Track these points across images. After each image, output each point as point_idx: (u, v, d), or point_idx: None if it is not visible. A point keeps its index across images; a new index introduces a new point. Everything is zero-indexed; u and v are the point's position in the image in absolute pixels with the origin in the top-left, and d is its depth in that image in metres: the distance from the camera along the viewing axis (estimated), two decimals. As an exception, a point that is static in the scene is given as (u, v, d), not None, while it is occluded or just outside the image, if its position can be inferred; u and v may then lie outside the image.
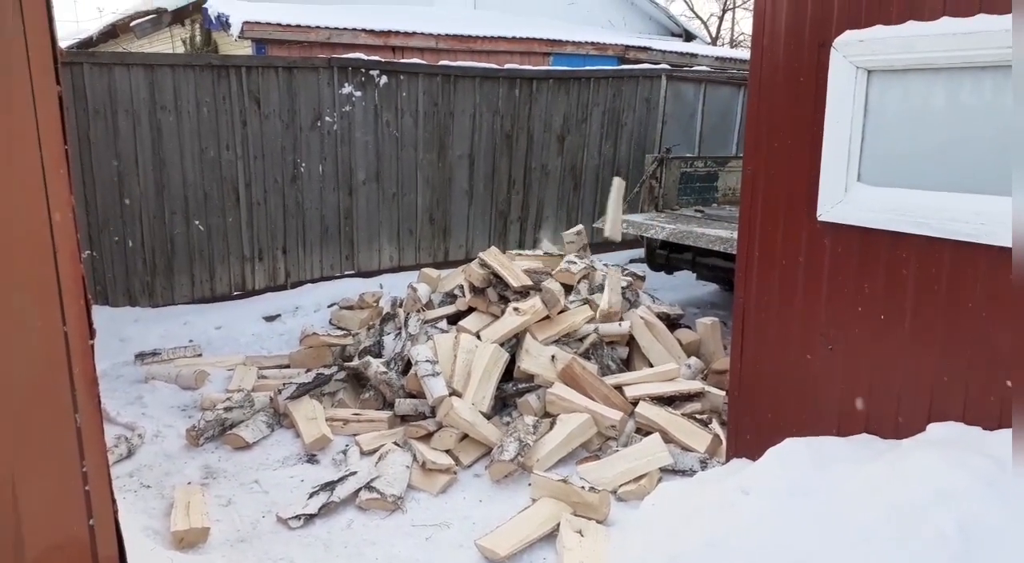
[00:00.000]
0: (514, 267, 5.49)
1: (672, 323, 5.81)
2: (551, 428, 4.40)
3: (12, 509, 2.30)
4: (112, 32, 11.95)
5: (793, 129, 3.28)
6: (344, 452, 4.42)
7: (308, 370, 5.45)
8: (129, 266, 6.61)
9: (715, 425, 4.49)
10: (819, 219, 3.20)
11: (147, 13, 10.30)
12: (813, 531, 2.61)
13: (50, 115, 2.21)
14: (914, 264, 2.92)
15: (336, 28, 9.43)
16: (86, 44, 13.26)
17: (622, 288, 5.56)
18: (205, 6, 9.56)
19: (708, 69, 10.72)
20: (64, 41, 16.16)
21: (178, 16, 10.29)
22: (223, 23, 9.09)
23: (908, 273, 2.94)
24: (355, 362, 5.21)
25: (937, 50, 2.77)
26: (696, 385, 4.86)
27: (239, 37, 8.89)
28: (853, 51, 3.00)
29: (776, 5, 3.29)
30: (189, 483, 4.11)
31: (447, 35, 10.32)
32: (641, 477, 4.01)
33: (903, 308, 2.97)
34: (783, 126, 3.32)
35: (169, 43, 11.24)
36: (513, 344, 5.05)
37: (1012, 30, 2.49)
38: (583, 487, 3.77)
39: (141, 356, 5.87)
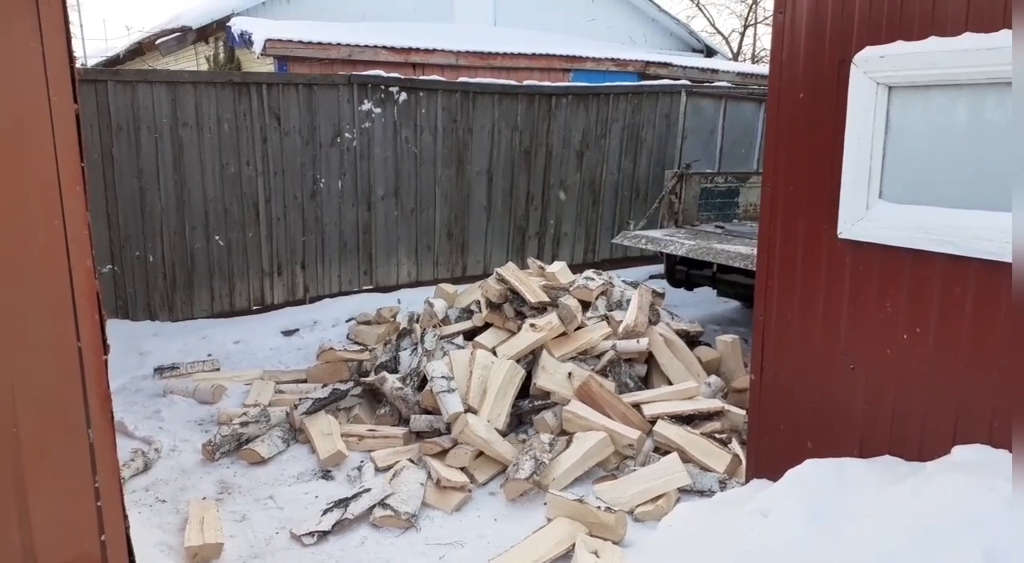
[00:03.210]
0: (531, 283, 5.46)
1: (692, 340, 5.75)
2: (567, 446, 4.35)
3: (25, 524, 2.30)
4: (138, 50, 12.18)
5: (813, 146, 3.24)
6: (359, 468, 4.41)
7: (325, 385, 5.45)
8: (150, 281, 6.67)
9: (735, 445, 4.42)
10: (840, 237, 3.15)
11: (172, 31, 10.48)
12: (833, 556, 2.54)
13: (67, 133, 2.23)
14: (938, 283, 2.86)
15: (357, 45, 9.53)
16: (113, 62, 13.52)
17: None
18: (229, 24, 9.72)
19: (729, 85, 10.70)
20: (92, 59, 16.48)
21: (202, 34, 10.46)
22: (246, 41, 9.22)
23: (932, 292, 2.88)
24: (371, 377, 5.20)
25: (960, 66, 2.72)
26: (716, 404, 4.79)
27: (261, 54, 9.01)
28: (873, 67, 2.96)
29: (795, 22, 3.26)
30: (204, 498, 4.11)
31: (467, 52, 10.39)
32: (659, 497, 3.95)
33: (927, 327, 2.91)
34: (803, 143, 3.28)
35: (193, 60, 11.43)
36: (529, 360, 5.01)
37: (1012, 46, 2.45)
38: (599, 507, 3.71)
39: (160, 370, 5.90)
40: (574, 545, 3.53)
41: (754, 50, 25.50)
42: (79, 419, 2.37)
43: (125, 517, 2.60)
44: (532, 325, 5.12)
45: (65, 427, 2.36)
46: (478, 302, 5.65)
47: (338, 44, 9.41)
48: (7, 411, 2.22)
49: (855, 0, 3.04)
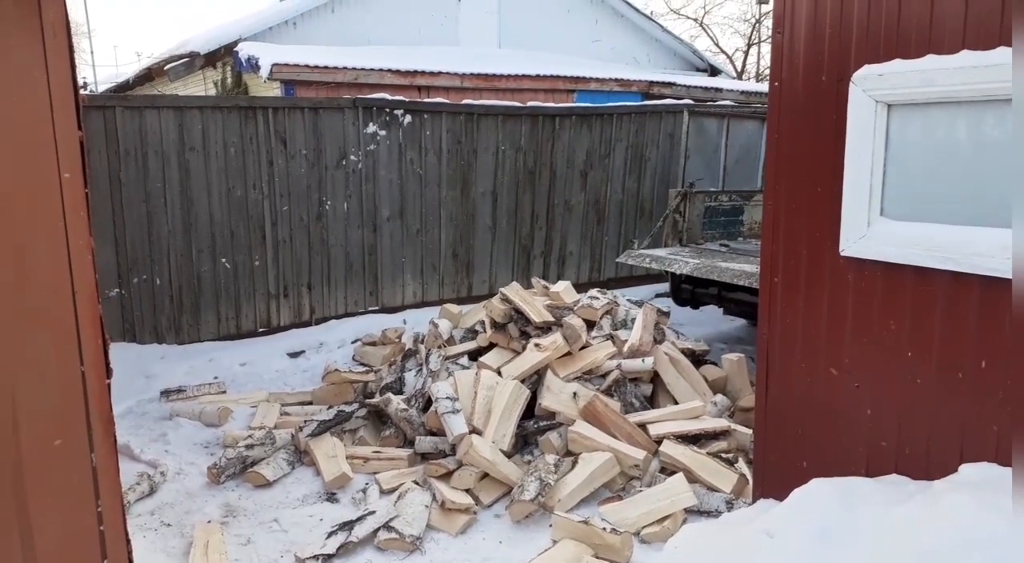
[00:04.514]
0: (535, 302, 5.46)
1: (697, 359, 5.73)
2: (573, 467, 4.33)
3: (28, 549, 2.30)
4: (148, 75, 12.34)
5: (813, 164, 3.24)
6: (364, 490, 4.39)
7: (330, 407, 5.45)
8: (157, 304, 6.70)
9: (741, 464, 4.39)
10: (842, 254, 3.14)
11: (181, 57, 10.61)
12: (841, 578, 2.51)
13: (72, 159, 2.26)
14: (941, 300, 2.85)
15: (363, 69, 9.63)
16: (123, 87, 13.69)
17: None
18: (236, 49, 9.85)
19: (732, 103, 10.74)
20: (103, 84, 16.70)
21: (210, 59, 10.58)
22: (253, 65, 9.33)
23: (935, 309, 2.87)
24: (376, 399, 5.20)
25: (957, 84, 2.73)
26: (722, 423, 4.77)
27: (268, 78, 9.11)
28: (872, 85, 2.98)
29: (794, 41, 3.29)
30: (209, 521, 4.10)
31: (472, 74, 10.48)
32: (665, 518, 3.92)
33: (930, 345, 2.89)
34: (803, 161, 3.29)
35: (202, 85, 11.56)
36: (534, 381, 5.00)
37: (1012, 63, 2.45)
38: (605, 528, 3.69)
39: (166, 393, 5.91)
40: (580, 567, 3.50)
41: (758, 68, 25.63)
42: (82, 443, 2.38)
43: (128, 542, 2.60)
44: (537, 345, 5.11)
45: (68, 451, 2.36)
46: (483, 322, 5.65)
47: (344, 68, 9.51)
48: (10, 435, 2.22)
49: (853, 19, 3.07)
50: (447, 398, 4.66)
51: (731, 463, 4.38)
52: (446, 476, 4.37)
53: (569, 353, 5.14)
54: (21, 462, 2.25)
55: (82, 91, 2.30)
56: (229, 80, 10.66)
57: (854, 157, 3.08)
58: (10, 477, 2.23)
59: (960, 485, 2.70)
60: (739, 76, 23.96)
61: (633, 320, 5.59)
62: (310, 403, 5.85)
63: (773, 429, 3.54)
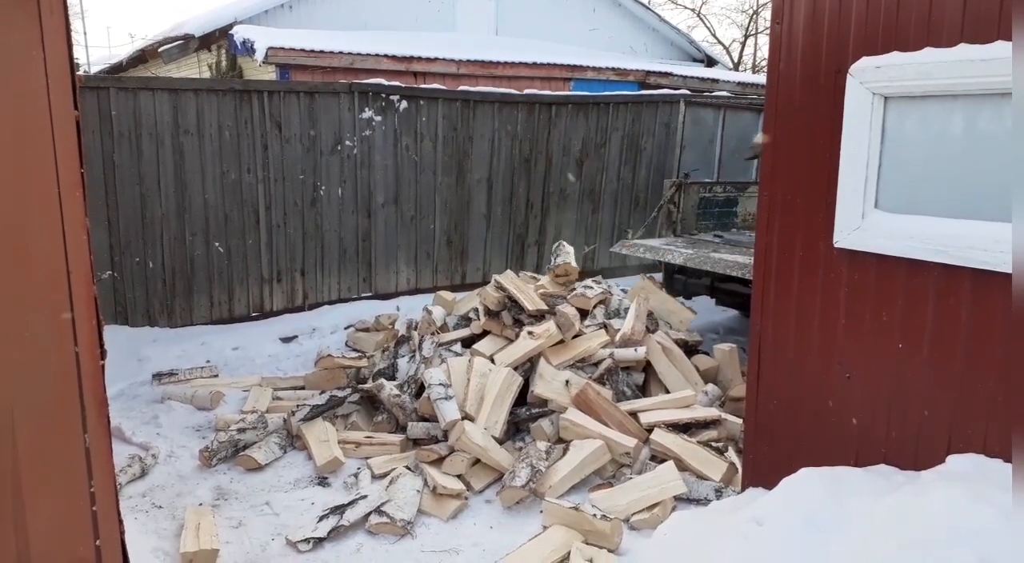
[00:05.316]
0: (529, 290, 5.47)
1: (689, 349, 5.75)
2: (564, 454, 4.35)
3: (20, 529, 2.30)
4: (141, 57, 12.23)
5: (809, 155, 3.25)
6: (355, 475, 4.41)
7: (322, 392, 5.45)
8: (149, 287, 6.68)
9: (731, 453, 4.42)
10: (836, 246, 3.16)
11: (175, 39, 10.52)
12: (828, 566, 2.53)
13: (67, 139, 2.25)
14: (933, 292, 2.87)
15: (359, 54, 9.58)
16: (116, 69, 13.57)
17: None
18: (231, 32, 9.77)
19: (728, 94, 10.73)
20: (96, 66, 16.57)
21: (205, 42, 10.50)
22: (248, 49, 9.27)
23: (926, 301, 2.89)
24: (369, 384, 5.21)
25: (955, 77, 2.74)
26: (713, 412, 4.80)
27: (263, 62, 9.06)
28: (869, 78, 2.98)
29: (792, 32, 3.29)
30: (200, 504, 4.11)
31: (468, 61, 10.43)
32: (655, 505, 3.95)
33: (922, 337, 2.92)
34: (799, 152, 3.29)
35: (196, 68, 11.48)
36: (527, 368, 5.02)
37: (1013, 57, 2.46)
38: (595, 515, 3.71)
39: (158, 376, 5.91)
40: (570, 553, 3.53)
41: (755, 60, 25.60)
42: (75, 424, 2.38)
43: (120, 522, 2.60)
44: (530, 333, 5.12)
45: (61, 432, 2.36)
46: (476, 310, 5.65)
47: (340, 53, 9.46)
48: (4, 415, 2.22)
49: (852, 11, 3.07)
50: (440, 384, 4.67)
51: (721, 452, 4.41)
52: (438, 462, 4.38)
53: (562, 341, 5.16)
54: (15, 443, 2.25)
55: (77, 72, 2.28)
56: (224, 63, 10.58)
57: (850, 149, 3.09)
58: (4, 457, 2.23)
59: (948, 476, 2.73)
60: (736, 67, 23.93)
61: (626, 309, 5.60)
62: (302, 388, 5.85)
63: (763, 418, 3.57)
